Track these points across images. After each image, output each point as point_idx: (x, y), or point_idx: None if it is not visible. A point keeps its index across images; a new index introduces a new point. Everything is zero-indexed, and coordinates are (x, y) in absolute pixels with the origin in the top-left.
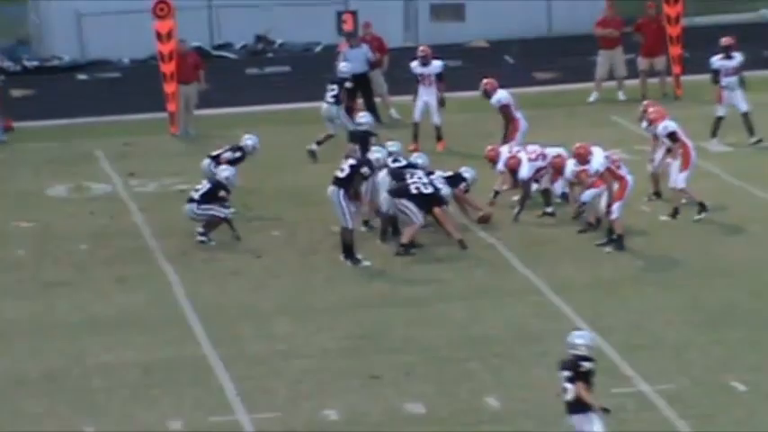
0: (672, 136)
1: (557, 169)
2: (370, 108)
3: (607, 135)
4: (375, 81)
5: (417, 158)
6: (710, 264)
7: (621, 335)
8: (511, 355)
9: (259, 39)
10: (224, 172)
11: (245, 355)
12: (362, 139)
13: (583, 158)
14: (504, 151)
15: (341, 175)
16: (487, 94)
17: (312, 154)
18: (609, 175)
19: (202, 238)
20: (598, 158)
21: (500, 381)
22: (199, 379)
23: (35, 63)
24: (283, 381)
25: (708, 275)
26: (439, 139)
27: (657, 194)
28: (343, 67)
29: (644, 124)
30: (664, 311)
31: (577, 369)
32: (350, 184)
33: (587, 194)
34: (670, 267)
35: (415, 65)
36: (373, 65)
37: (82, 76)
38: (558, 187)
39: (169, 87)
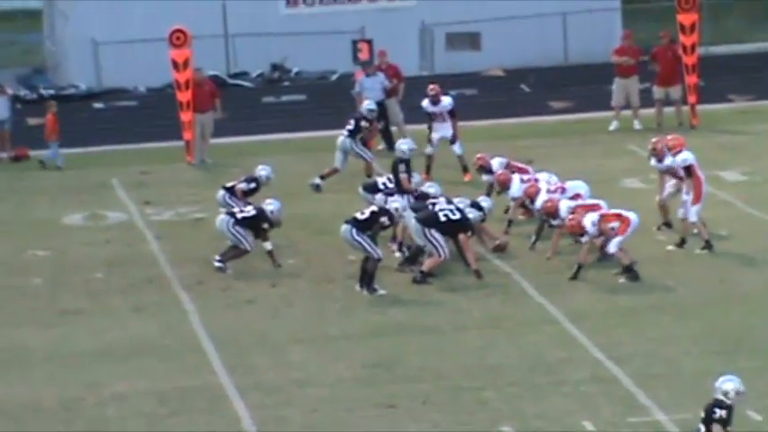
0: (688, 169)
1: (549, 213)
2: (386, 136)
3: (623, 164)
4: (391, 110)
5: (429, 188)
6: (726, 292)
7: (637, 364)
8: (526, 384)
9: (275, 67)
10: (270, 206)
11: (260, 383)
12: (398, 165)
13: (577, 229)
14: (517, 179)
15: (360, 217)
16: (483, 170)
17: (316, 187)
18: (606, 220)
19: (220, 265)
20: (589, 219)
21: (515, 410)
22: (214, 408)
23: (51, 91)
24: (299, 409)
25: (724, 304)
26: (465, 170)
27: (668, 224)
28: (367, 104)
29: (653, 161)
30: (680, 340)
31: (711, 415)
32: (368, 228)
33: (614, 245)
34: (686, 296)
35: (426, 104)
36: (389, 93)
37: (98, 105)
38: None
39: (185, 116)
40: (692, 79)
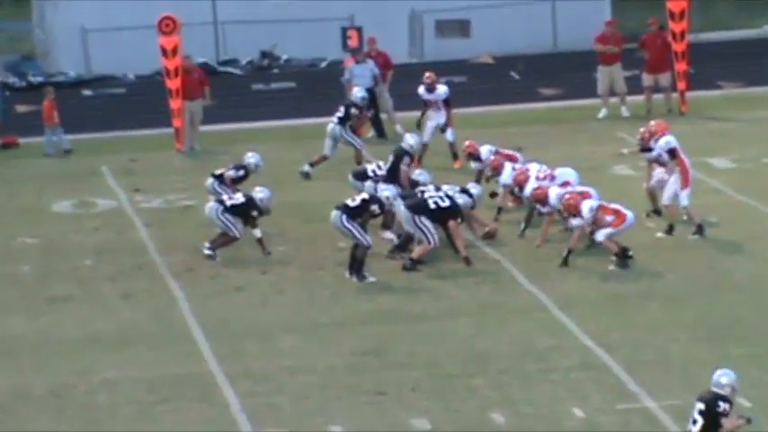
0: (672, 152)
1: (538, 200)
2: (376, 123)
3: (612, 151)
4: (381, 97)
5: (419, 175)
6: (716, 280)
7: (627, 351)
8: (516, 371)
9: (264, 55)
10: (259, 193)
11: (250, 371)
12: (403, 158)
13: (572, 210)
14: (509, 166)
15: (351, 204)
16: (472, 157)
17: (305, 175)
18: (603, 211)
19: (209, 253)
20: (587, 205)
21: (505, 397)
22: (204, 395)
23: (40, 79)
24: (289, 397)
25: (713, 291)
26: (455, 157)
27: (657, 212)
28: (358, 92)
29: (642, 146)
30: (669, 327)
31: (715, 408)
32: (358, 216)
33: (602, 234)
34: (675, 283)
35: (421, 91)
36: (378, 80)
37: (87, 92)
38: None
39: (175, 103)
40: (681, 66)
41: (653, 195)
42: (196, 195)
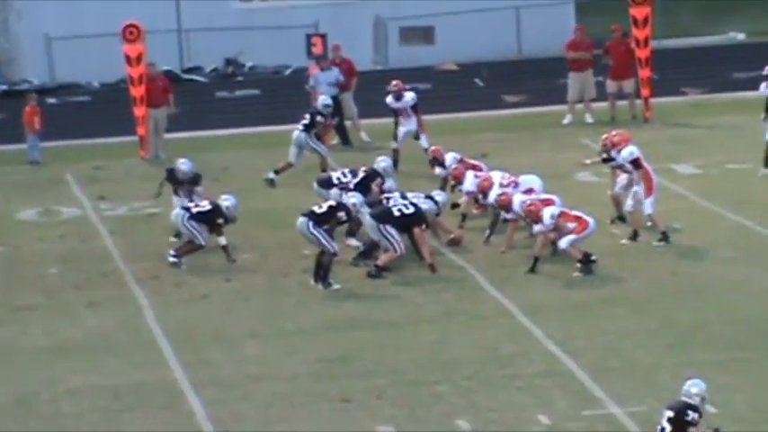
0: (635, 162)
1: (502, 207)
2: (341, 130)
3: (576, 157)
4: (345, 104)
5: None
6: (680, 285)
7: (592, 357)
8: (481, 378)
9: (229, 62)
10: (225, 201)
11: (215, 378)
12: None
13: (534, 216)
14: (471, 174)
15: (318, 210)
16: (436, 162)
17: (270, 182)
18: (565, 218)
19: (174, 260)
20: (548, 212)
21: (471, 403)
22: (170, 403)
23: (4, 87)
24: (254, 404)
25: (678, 297)
26: (432, 163)
27: (621, 218)
28: (323, 100)
29: (604, 155)
30: (634, 333)
31: (683, 417)
32: (324, 222)
33: (565, 241)
34: (640, 289)
35: (390, 100)
36: (343, 88)
37: (51, 100)
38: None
39: (139, 111)
40: (645, 73)
41: (617, 202)
42: (161, 203)
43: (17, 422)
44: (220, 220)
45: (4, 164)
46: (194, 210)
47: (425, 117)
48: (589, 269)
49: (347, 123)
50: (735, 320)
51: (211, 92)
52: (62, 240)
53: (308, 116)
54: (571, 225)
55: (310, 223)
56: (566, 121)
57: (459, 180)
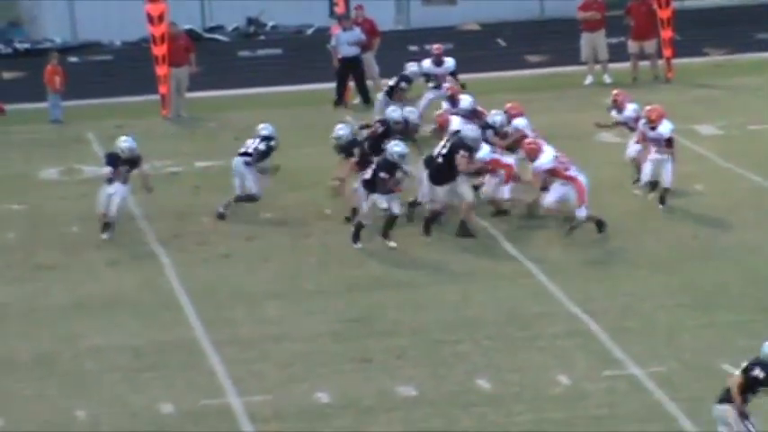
0: (669, 141)
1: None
2: (362, 90)
3: (596, 118)
4: (367, 64)
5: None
6: (702, 247)
7: (613, 318)
8: (502, 338)
9: (251, 21)
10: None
11: (236, 338)
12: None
13: (533, 154)
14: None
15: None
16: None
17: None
18: (555, 174)
19: (222, 211)
20: (547, 156)
21: (491, 363)
22: (190, 362)
23: (26, 45)
24: (275, 364)
25: (699, 258)
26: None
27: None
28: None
29: (613, 112)
30: (655, 294)
31: (749, 370)
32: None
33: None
34: (661, 250)
35: (428, 65)
36: (365, 47)
37: (73, 59)
38: (506, 192)
39: (161, 70)
40: (666, 33)
41: (636, 163)
42: (182, 162)
43: (38, 380)
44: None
45: (26, 123)
46: (251, 149)
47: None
48: (601, 227)
49: (369, 83)
50: (756, 282)
51: (233, 51)
52: (83, 199)
53: (394, 79)
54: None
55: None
56: (587, 81)
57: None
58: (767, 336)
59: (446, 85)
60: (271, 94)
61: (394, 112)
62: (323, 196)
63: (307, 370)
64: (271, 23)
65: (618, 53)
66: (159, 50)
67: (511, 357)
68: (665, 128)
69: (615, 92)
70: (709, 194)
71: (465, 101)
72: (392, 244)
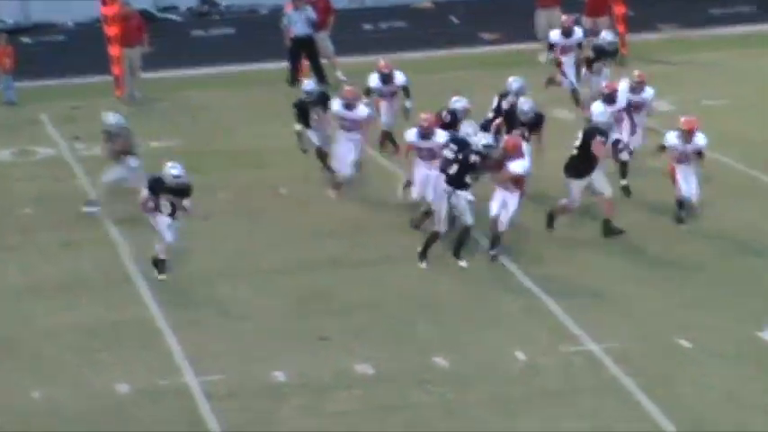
0: (700, 154)
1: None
2: (317, 69)
3: (551, 94)
4: (321, 43)
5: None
6: (656, 225)
7: (569, 294)
8: (459, 315)
9: (204, 1)
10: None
11: (192, 317)
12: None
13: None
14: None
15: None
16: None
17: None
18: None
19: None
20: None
21: (448, 340)
22: (147, 342)
23: None
24: (231, 343)
25: (655, 236)
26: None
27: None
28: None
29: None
30: (611, 271)
31: None
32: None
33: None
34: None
35: (375, 82)
36: (319, 26)
37: (26, 40)
38: None
39: (114, 50)
40: (619, 9)
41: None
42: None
43: None
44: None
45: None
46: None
47: (399, 55)
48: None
49: (323, 62)
50: (712, 258)
51: (186, 31)
52: (37, 180)
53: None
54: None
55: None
56: (542, 58)
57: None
58: (723, 311)
59: (382, 63)
60: (224, 73)
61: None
62: (277, 175)
63: (263, 349)
64: (224, 3)
65: None
66: (112, 31)
67: (468, 334)
68: (700, 139)
69: (639, 73)
70: (663, 170)
71: (399, 77)
72: (462, 263)
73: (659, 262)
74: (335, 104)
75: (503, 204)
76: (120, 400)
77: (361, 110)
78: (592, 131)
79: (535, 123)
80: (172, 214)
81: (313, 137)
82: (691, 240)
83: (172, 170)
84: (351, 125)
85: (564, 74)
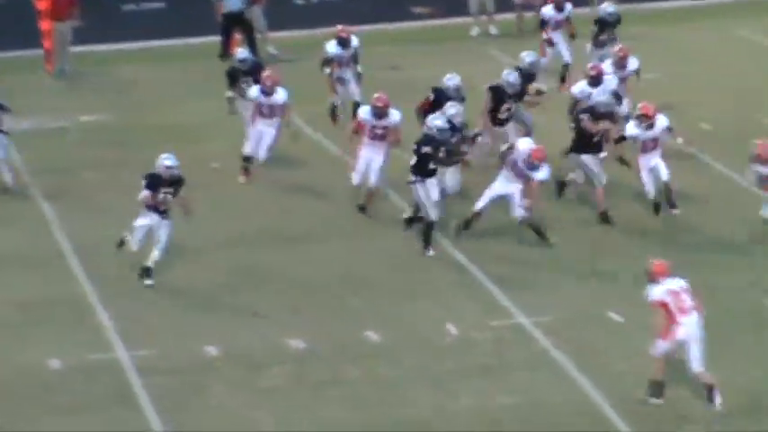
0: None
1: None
2: (251, 45)
3: (485, 69)
4: (255, 18)
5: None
6: (582, 198)
7: (500, 268)
8: (391, 290)
9: None
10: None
11: (123, 292)
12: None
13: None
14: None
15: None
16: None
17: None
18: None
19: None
20: None
21: (380, 315)
22: (77, 317)
23: None
24: (163, 317)
25: (582, 209)
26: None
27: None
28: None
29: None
30: (542, 245)
31: None
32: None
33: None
34: (546, 202)
35: (333, 48)
36: (252, 1)
37: None
38: None
39: (44, 24)
40: None
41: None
42: (67, 117)
43: None
44: None
45: None
46: None
47: (327, 30)
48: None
49: (257, 36)
50: (638, 230)
51: (117, 5)
52: None
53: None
54: None
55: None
56: (473, 33)
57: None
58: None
59: (340, 27)
60: (155, 47)
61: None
62: (211, 151)
63: (196, 324)
64: None
65: (503, 3)
66: (42, 5)
67: (399, 309)
68: (662, 122)
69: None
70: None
71: (355, 41)
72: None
73: (585, 234)
74: (254, 91)
75: (493, 199)
76: (50, 375)
77: (280, 94)
78: (583, 110)
79: (521, 95)
80: (165, 212)
81: (243, 106)
82: (616, 214)
83: (165, 161)
84: (268, 111)
85: (551, 44)
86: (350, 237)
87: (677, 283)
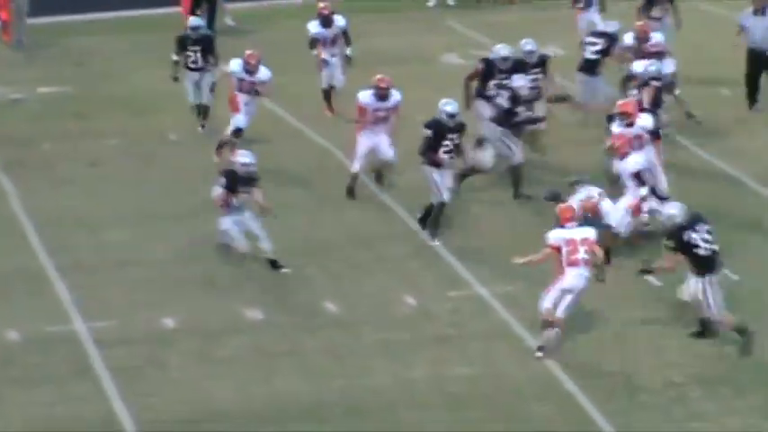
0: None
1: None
2: (211, 15)
3: (443, 40)
4: None
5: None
6: (534, 172)
7: (459, 239)
8: (348, 261)
9: None
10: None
11: (81, 264)
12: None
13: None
14: None
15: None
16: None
17: None
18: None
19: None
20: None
21: (337, 286)
22: (35, 289)
23: None
24: (120, 289)
25: (534, 180)
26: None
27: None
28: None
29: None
30: (498, 214)
31: None
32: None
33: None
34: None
35: (315, 26)
36: None
37: None
38: None
39: None
40: None
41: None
42: (24, 89)
43: None
44: None
45: None
46: None
47: (235, 6)
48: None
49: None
50: None
51: None
52: None
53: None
54: None
55: None
56: (430, 3)
57: None
58: (612, 256)
59: (322, 4)
60: (112, 18)
61: None
62: (166, 122)
63: (152, 295)
64: None
65: None
66: None
67: (357, 280)
68: (645, 121)
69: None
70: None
71: (340, 21)
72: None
73: (542, 205)
74: (234, 65)
75: None
76: (8, 347)
77: (263, 72)
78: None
79: (514, 70)
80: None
81: (185, 75)
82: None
83: (242, 158)
84: (249, 87)
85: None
86: (310, 209)
87: (581, 233)
